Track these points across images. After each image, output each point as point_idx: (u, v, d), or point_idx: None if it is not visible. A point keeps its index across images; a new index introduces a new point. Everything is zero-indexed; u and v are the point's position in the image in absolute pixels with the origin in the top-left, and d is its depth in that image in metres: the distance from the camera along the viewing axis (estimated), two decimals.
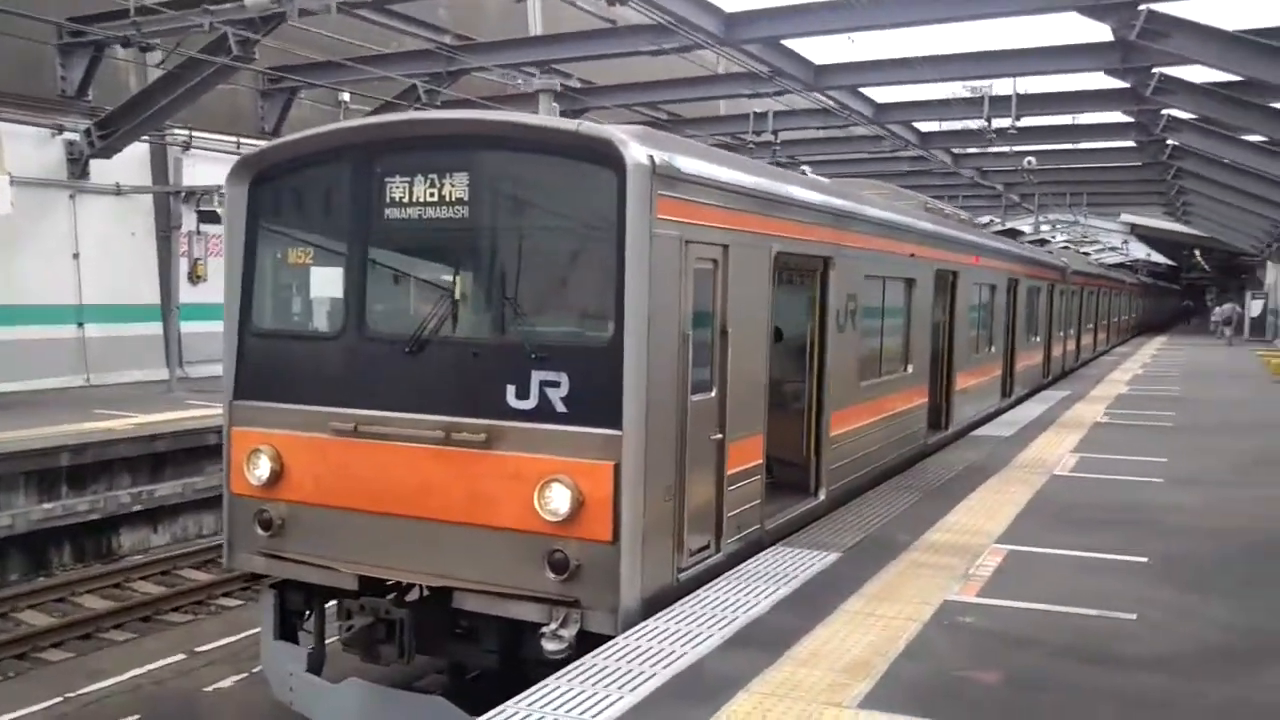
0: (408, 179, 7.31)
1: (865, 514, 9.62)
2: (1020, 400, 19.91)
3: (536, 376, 6.81)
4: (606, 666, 5.71)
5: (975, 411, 16.52)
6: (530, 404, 6.83)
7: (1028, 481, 11.37)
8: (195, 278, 21.69)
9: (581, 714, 5.06)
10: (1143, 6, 15.77)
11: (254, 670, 9.55)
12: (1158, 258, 71.07)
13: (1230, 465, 12.88)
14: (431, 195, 7.24)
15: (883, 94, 26.83)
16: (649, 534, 6.69)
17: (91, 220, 20.63)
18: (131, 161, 21.20)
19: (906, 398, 12.57)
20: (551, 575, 6.67)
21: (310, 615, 8.09)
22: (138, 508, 14.06)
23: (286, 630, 8.15)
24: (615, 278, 6.60)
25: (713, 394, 7.53)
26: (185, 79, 18.93)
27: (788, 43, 20.74)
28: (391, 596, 7.36)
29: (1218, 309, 53.00)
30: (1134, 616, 6.69)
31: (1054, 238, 38.30)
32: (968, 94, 29.46)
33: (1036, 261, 22.63)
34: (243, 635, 10.49)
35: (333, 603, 7.86)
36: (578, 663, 5.79)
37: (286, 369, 7.85)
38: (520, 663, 7.11)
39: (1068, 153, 34.10)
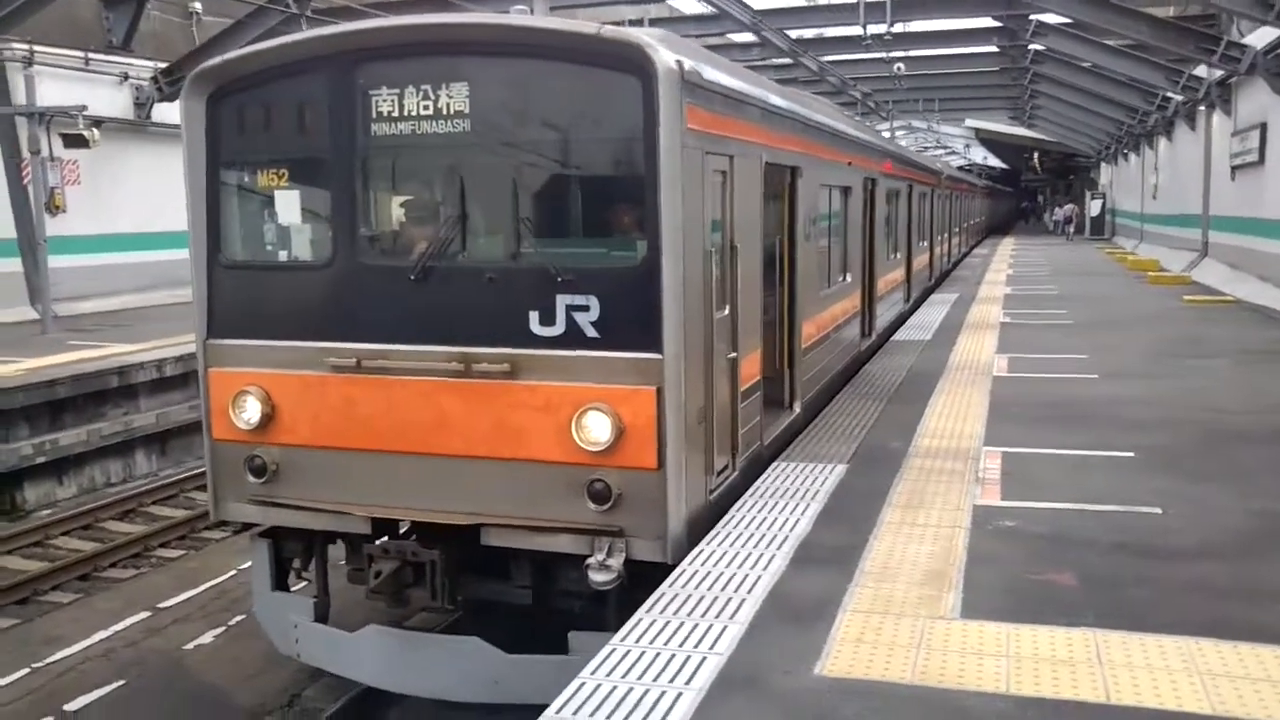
0: (396, 91, 6.74)
1: (842, 424, 9.68)
2: (918, 304, 20.43)
3: (562, 301, 6.46)
4: (689, 595, 5.55)
5: (889, 316, 16.85)
6: (557, 330, 6.48)
7: (975, 384, 11.65)
8: (54, 208, 19.95)
9: (696, 646, 4.90)
10: None
11: (231, 624, 9.04)
12: (994, 161, 74.00)
13: (1143, 359, 13.51)
14: (426, 108, 6.69)
15: (760, 1, 26.69)
16: (688, 458, 6.51)
17: None
18: None
19: (848, 306, 12.67)
20: (592, 505, 6.41)
21: (309, 563, 7.61)
22: (41, 459, 13.00)
23: (279, 580, 7.68)
24: (648, 193, 6.27)
25: (726, 312, 7.34)
26: None
27: None
28: (412, 539, 6.98)
29: (1059, 209, 55.66)
30: (1159, 510, 6.92)
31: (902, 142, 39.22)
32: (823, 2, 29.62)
33: (924, 167, 23.11)
34: (205, 588, 9.88)
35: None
36: (657, 594, 5.60)
37: (268, 303, 7.23)
38: (555, 596, 6.91)
39: (929, 59, 34.79)
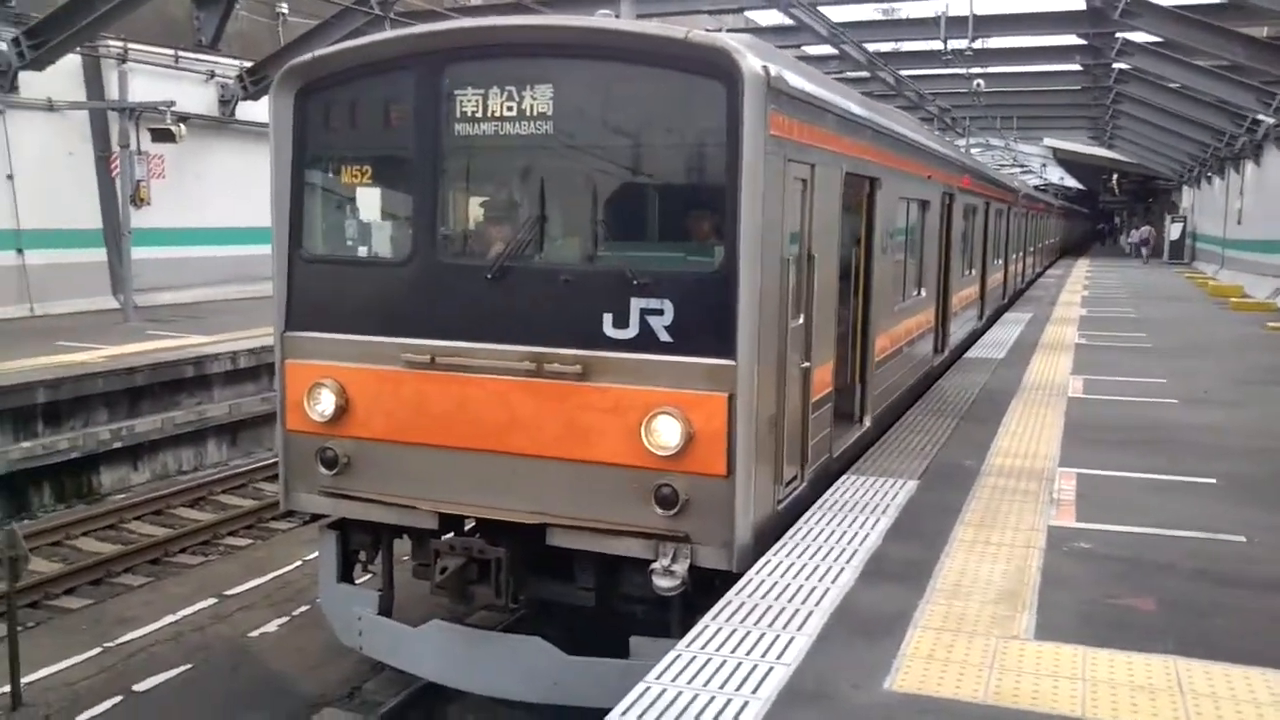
0: (481, 91, 6.78)
1: (914, 440, 9.53)
2: (991, 322, 20.11)
3: (636, 304, 6.43)
4: (755, 604, 5.48)
5: (962, 334, 16.61)
6: (630, 333, 6.46)
7: (1050, 404, 11.41)
8: (139, 201, 20.48)
9: (763, 656, 4.83)
10: None
11: (295, 614, 9.15)
12: (1071, 181, 72.68)
13: (1225, 385, 13.12)
14: (510, 109, 6.72)
15: (838, 13, 26.50)
16: (758, 466, 6.45)
17: (24, 139, 19.30)
18: (63, 76, 19.80)
19: (922, 321, 12.51)
20: (659, 510, 6.38)
21: (375, 556, 7.68)
22: (118, 445, 13.32)
23: (344, 572, 7.76)
24: (728, 199, 6.23)
25: (801, 321, 7.26)
26: None
27: None
28: (477, 536, 7.00)
29: (1134, 232, 54.54)
30: (1244, 539, 6.70)
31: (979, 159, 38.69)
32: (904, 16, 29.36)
33: (1001, 184, 22.78)
34: (271, 577, 10.04)
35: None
36: (723, 601, 5.54)
37: (347, 298, 7.31)
38: (618, 600, 6.88)
39: (1010, 76, 34.30)
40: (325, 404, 7.17)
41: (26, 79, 19.01)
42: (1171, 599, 5.64)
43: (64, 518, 11.98)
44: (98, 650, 8.46)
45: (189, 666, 8.21)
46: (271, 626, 8.99)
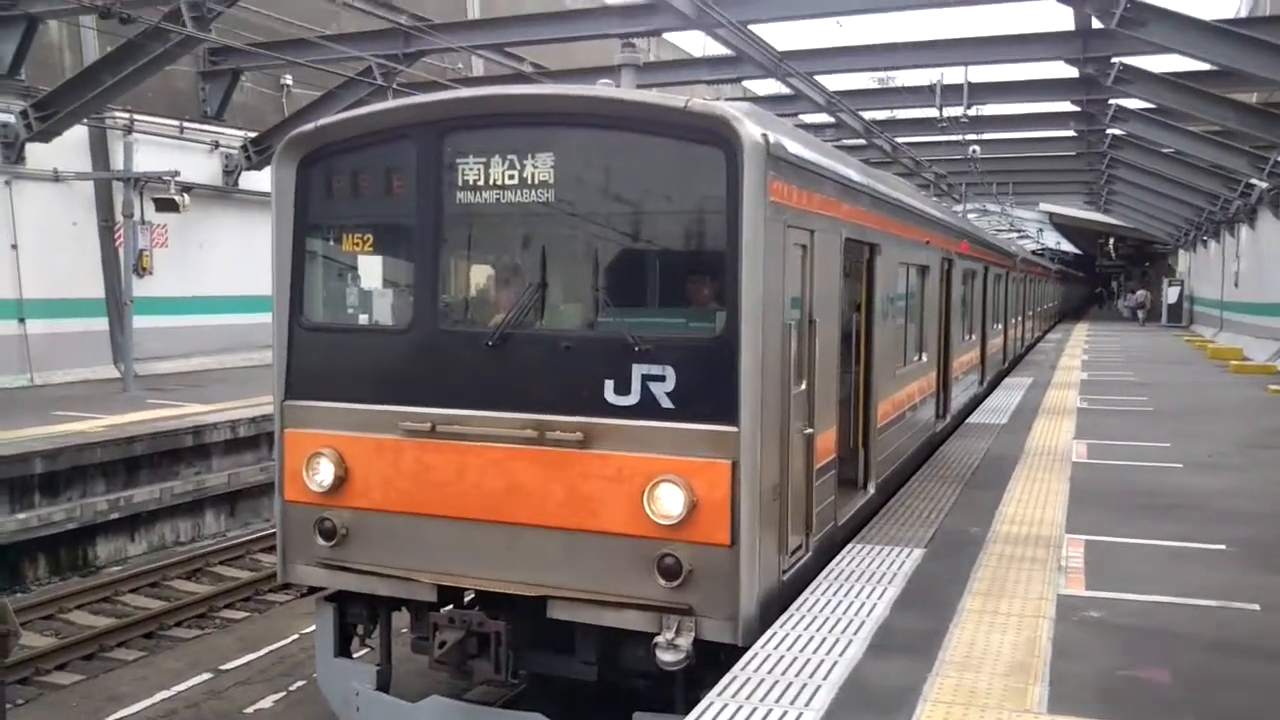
0: (483, 160, 6.81)
1: (918, 507, 9.43)
2: (992, 387, 20.07)
3: (638, 370, 6.39)
4: (762, 679, 5.36)
5: (963, 399, 16.55)
6: (632, 400, 6.41)
7: (1054, 470, 11.32)
8: (142, 270, 20.55)
9: None
10: None
11: (291, 689, 8.99)
12: (1067, 245, 73.11)
13: (1230, 449, 13.04)
14: (511, 178, 6.75)
15: (835, 82, 26.84)
16: (762, 535, 6.35)
17: (29, 209, 19.43)
18: (69, 147, 20.00)
19: (924, 386, 12.47)
20: (662, 581, 6.27)
21: (374, 629, 7.54)
22: (115, 515, 13.20)
23: (342, 646, 7.61)
24: (729, 265, 6.23)
25: (803, 386, 7.21)
26: (134, 56, 17.87)
27: (754, 28, 20.50)
28: (476, 608, 6.88)
29: (1131, 295, 54.82)
30: (1258, 607, 6.58)
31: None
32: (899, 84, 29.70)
33: (1000, 249, 22.89)
34: (266, 651, 9.88)
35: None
36: (729, 677, 5.42)
37: (347, 366, 7.28)
38: (620, 674, 6.74)
39: (1005, 142, 34.64)
40: (324, 474, 7.09)
41: (33, 150, 19.23)
42: (1187, 670, 5.52)
43: (57, 590, 11.84)
44: None
45: None
46: (267, 702, 8.82)
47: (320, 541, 7.17)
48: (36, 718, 8.52)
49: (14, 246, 18.91)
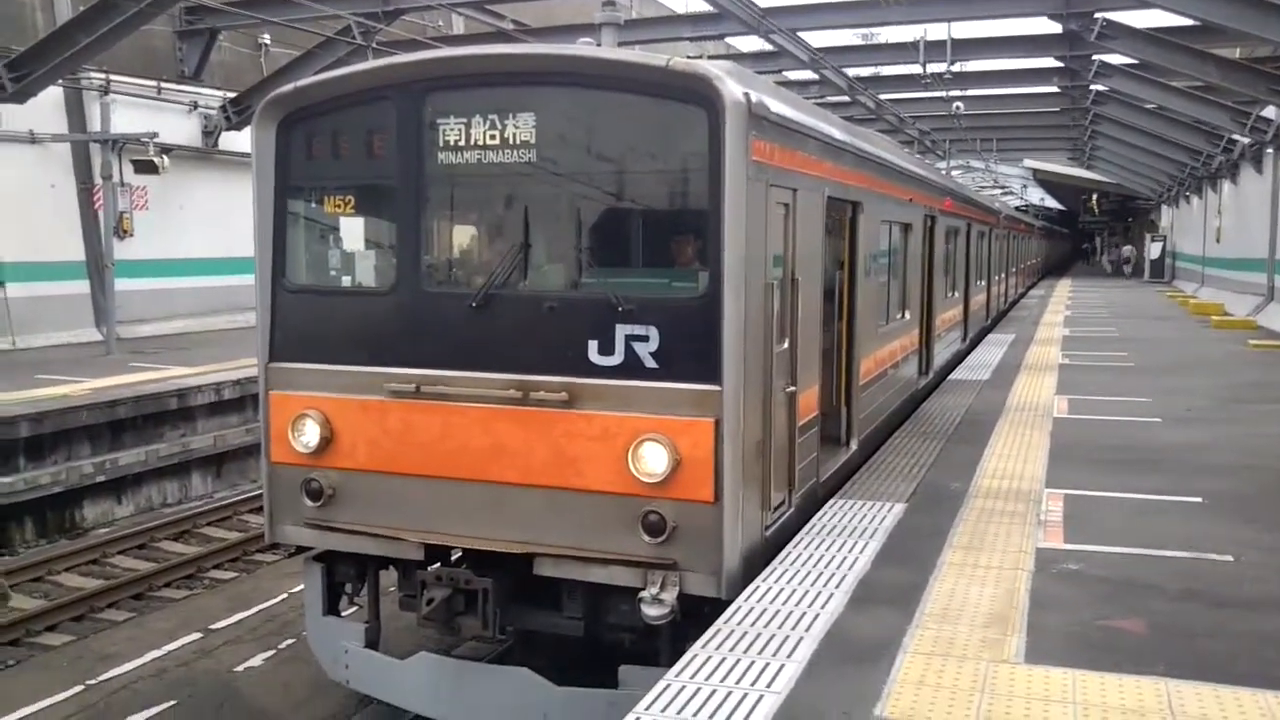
0: (464, 120, 6.78)
1: (900, 463, 9.53)
2: (975, 344, 20.18)
3: (622, 331, 6.42)
4: (745, 632, 5.45)
5: (946, 356, 16.65)
6: (616, 360, 6.45)
7: (1035, 425, 11.43)
8: (122, 232, 20.41)
9: (753, 684, 4.80)
10: None
11: (281, 647, 9.07)
12: (1051, 202, 73.18)
13: (1208, 404, 13.18)
14: (492, 138, 6.73)
15: (818, 38, 26.72)
16: (745, 491, 6.43)
17: (6, 172, 19.25)
18: (45, 108, 19.76)
19: (907, 344, 12.54)
20: (646, 538, 6.35)
21: (361, 588, 7.62)
22: (101, 478, 13.21)
23: (330, 605, 7.69)
24: (711, 225, 6.25)
25: (785, 345, 7.26)
26: (109, 15, 17.61)
27: None
28: (464, 566, 6.96)
29: (1116, 250, 55.05)
30: (1231, 558, 6.71)
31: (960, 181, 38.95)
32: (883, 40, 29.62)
33: (983, 206, 22.92)
34: (256, 610, 9.94)
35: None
36: (713, 629, 5.51)
37: (330, 328, 7.29)
38: (606, 629, 6.83)
39: (988, 98, 34.57)
40: (309, 435, 7.12)
41: (8, 111, 18.99)
42: (1161, 620, 5.63)
43: (46, 553, 11.88)
44: (80, 688, 8.33)
45: (173, 703, 8.10)
46: (257, 661, 8.90)
47: (307, 502, 7.21)
48: (27, 679, 8.58)
49: None
